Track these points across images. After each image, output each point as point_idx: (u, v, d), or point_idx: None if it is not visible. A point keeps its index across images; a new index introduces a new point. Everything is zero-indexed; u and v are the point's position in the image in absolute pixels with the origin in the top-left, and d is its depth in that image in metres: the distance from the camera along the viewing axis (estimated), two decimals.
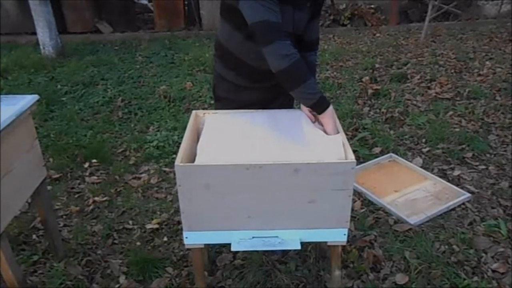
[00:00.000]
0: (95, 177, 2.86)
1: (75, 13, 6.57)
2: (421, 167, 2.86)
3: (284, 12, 1.58)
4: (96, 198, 2.61)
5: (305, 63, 1.77)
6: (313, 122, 1.68)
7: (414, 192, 2.61)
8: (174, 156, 3.00)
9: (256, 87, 1.81)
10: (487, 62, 4.93)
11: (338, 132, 1.60)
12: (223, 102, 1.88)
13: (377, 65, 4.93)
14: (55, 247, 2.11)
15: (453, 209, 2.45)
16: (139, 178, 2.84)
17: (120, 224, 2.40)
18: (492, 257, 2.09)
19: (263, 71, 1.72)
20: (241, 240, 1.52)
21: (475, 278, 1.97)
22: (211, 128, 1.68)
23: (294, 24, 1.64)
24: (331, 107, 1.59)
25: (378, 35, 6.41)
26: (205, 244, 1.66)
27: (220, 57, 1.80)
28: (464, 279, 1.95)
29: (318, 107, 1.58)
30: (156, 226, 2.36)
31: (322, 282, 1.97)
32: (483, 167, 2.87)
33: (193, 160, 1.48)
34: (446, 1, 6.29)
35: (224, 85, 1.83)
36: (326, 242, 1.64)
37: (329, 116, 1.60)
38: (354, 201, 2.50)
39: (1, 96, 1.75)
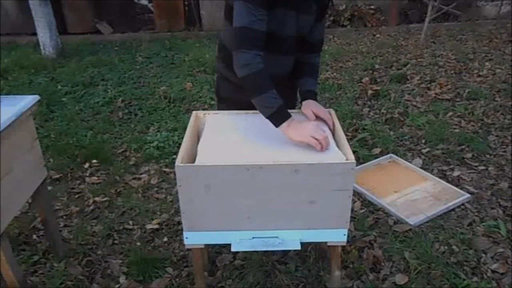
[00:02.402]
0: (95, 178, 2.86)
1: (75, 13, 6.58)
2: (420, 167, 2.86)
3: (287, 17, 1.59)
4: (96, 199, 2.61)
5: (307, 64, 1.78)
6: None
7: (413, 193, 2.62)
8: (174, 156, 3.01)
9: None
10: (487, 63, 4.94)
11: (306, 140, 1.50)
12: (225, 102, 1.88)
13: (377, 66, 4.93)
14: (55, 247, 2.11)
15: (453, 209, 2.45)
16: (139, 179, 2.84)
17: (120, 225, 2.40)
18: (492, 257, 2.10)
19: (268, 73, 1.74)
20: (241, 241, 1.53)
21: (475, 279, 1.97)
22: (212, 129, 1.68)
23: (298, 27, 1.65)
24: (285, 123, 1.51)
25: (378, 36, 6.41)
26: (205, 245, 1.67)
27: (222, 58, 1.81)
28: (464, 280, 1.95)
29: (273, 121, 1.53)
30: (156, 226, 2.36)
31: (322, 282, 1.97)
32: (483, 167, 2.87)
33: (193, 161, 1.48)
34: (446, 2, 6.29)
35: (226, 85, 1.84)
36: (326, 243, 1.65)
37: (286, 131, 1.52)
38: (354, 201, 2.50)
39: (2, 96, 1.76)
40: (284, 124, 1.52)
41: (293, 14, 1.60)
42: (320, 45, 1.84)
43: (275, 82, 1.77)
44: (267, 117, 1.54)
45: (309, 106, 1.70)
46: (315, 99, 1.75)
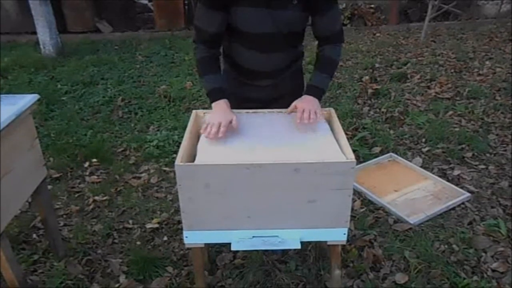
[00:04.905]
0: (95, 177, 2.86)
1: (75, 12, 6.57)
2: (421, 166, 2.86)
3: (251, 14, 1.58)
4: (96, 198, 2.61)
5: (319, 57, 1.75)
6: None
7: (414, 192, 2.62)
8: (174, 155, 3.01)
9: (256, 84, 1.82)
10: (487, 62, 4.94)
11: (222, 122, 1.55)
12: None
13: (377, 65, 4.93)
14: (55, 246, 2.11)
15: (453, 208, 2.45)
16: (139, 178, 2.84)
17: (120, 224, 2.40)
18: (492, 256, 2.10)
19: (253, 71, 1.77)
20: (241, 240, 1.53)
21: (475, 278, 1.97)
22: None
23: (277, 24, 1.61)
24: (213, 104, 1.64)
25: (378, 34, 6.41)
26: (205, 244, 1.67)
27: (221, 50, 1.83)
28: (464, 279, 1.95)
29: (209, 99, 1.67)
30: (156, 225, 2.36)
31: (322, 281, 1.97)
32: (483, 166, 2.87)
33: (193, 160, 1.48)
34: (446, 1, 6.28)
35: (226, 79, 1.84)
36: (326, 242, 1.64)
37: (212, 111, 1.65)
38: (354, 200, 2.50)
39: (1, 95, 1.75)
40: (213, 104, 1.65)
41: (259, 10, 1.57)
42: (332, 37, 1.74)
43: (271, 79, 1.78)
44: (206, 96, 1.71)
45: (299, 100, 1.68)
46: (315, 94, 1.68)
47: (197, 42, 1.69)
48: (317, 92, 1.70)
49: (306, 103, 1.64)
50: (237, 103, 1.79)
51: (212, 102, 1.65)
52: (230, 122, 1.57)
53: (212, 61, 1.69)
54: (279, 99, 1.87)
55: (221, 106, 1.63)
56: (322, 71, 1.73)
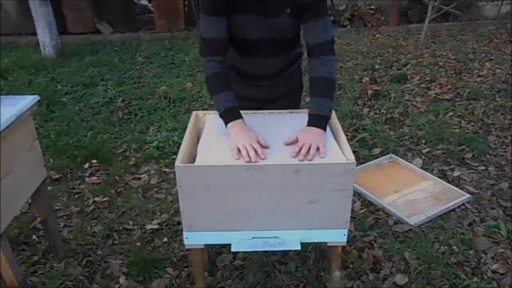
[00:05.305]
0: (95, 178, 2.86)
1: (75, 13, 6.58)
2: (421, 167, 2.86)
3: (247, 22, 1.60)
4: (96, 199, 2.61)
5: (313, 81, 1.63)
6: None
7: (414, 193, 2.62)
8: (174, 156, 3.01)
9: (255, 85, 1.83)
10: (487, 63, 4.94)
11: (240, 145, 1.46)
12: None
13: (377, 66, 4.93)
14: (55, 247, 2.11)
15: (453, 209, 2.45)
16: (139, 179, 2.84)
17: (120, 225, 2.40)
18: (492, 257, 2.10)
19: (251, 74, 1.79)
20: (241, 241, 1.53)
21: (475, 279, 1.97)
22: (212, 129, 1.69)
23: (271, 30, 1.63)
24: (231, 124, 1.56)
25: (378, 36, 6.41)
26: (205, 245, 1.66)
27: None
28: (464, 280, 1.95)
29: (223, 120, 1.61)
30: (156, 226, 2.36)
31: (322, 282, 1.97)
32: (483, 168, 2.87)
33: (193, 161, 1.48)
34: (446, 2, 6.29)
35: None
36: (326, 243, 1.64)
37: (230, 132, 1.55)
38: (354, 201, 2.50)
39: (2, 96, 1.76)
40: (230, 125, 1.58)
41: (254, 17, 1.60)
42: (320, 47, 1.62)
43: (269, 80, 1.80)
44: (219, 116, 1.63)
45: (302, 132, 1.56)
46: (318, 124, 1.56)
47: (207, 56, 1.62)
48: (320, 121, 1.57)
49: (308, 136, 1.51)
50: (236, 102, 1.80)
51: (228, 122, 1.58)
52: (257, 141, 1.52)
53: (223, 77, 1.63)
54: (278, 98, 1.88)
55: (242, 127, 1.56)
56: (320, 95, 1.60)
